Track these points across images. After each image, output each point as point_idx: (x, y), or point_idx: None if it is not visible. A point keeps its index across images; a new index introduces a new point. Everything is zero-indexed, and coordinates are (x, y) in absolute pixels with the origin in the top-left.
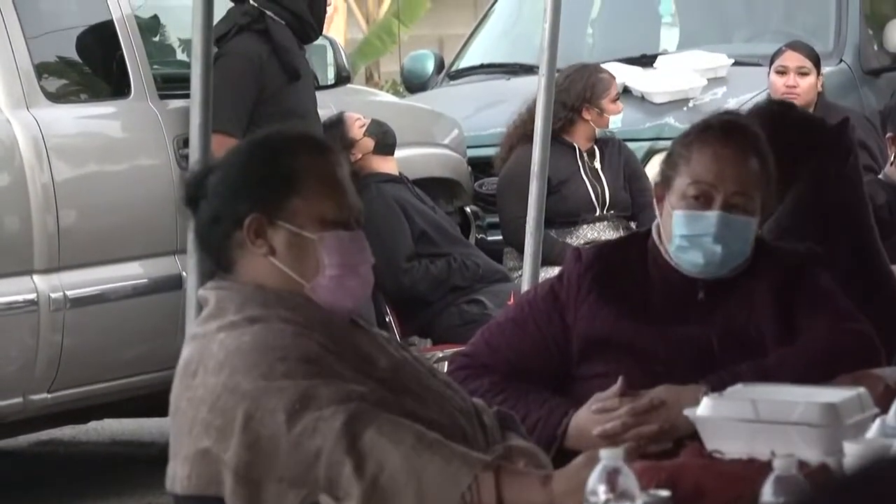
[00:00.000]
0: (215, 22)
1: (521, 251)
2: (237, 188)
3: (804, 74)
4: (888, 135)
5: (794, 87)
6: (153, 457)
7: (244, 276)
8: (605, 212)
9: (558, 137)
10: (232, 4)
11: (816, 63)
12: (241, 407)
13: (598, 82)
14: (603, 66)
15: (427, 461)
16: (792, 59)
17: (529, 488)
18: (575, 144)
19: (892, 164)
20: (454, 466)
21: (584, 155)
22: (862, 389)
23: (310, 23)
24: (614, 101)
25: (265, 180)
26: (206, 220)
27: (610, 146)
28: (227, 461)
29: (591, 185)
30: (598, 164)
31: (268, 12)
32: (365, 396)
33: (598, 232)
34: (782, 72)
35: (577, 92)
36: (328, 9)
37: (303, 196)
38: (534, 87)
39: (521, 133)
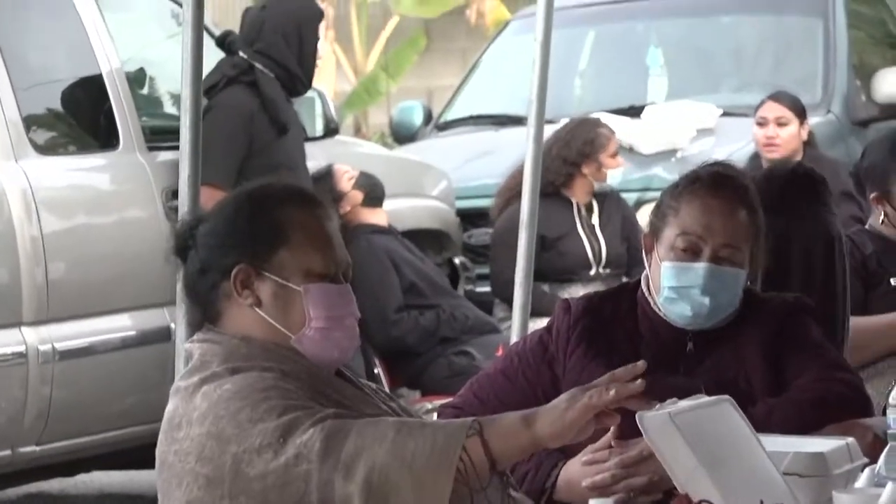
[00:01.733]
0: (204, 74)
1: (510, 305)
2: (225, 239)
3: (783, 125)
4: (872, 195)
5: (774, 137)
6: None
7: (231, 328)
8: (600, 269)
9: (557, 193)
10: (221, 56)
11: (800, 113)
12: (229, 452)
13: (598, 136)
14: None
15: (412, 449)
16: (770, 110)
17: (515, 434)
18: (573, 200)
19: (882, 222)
20: (440, 444)
21: (582, 210)
22: (850, 439)
23: (299, 76)
24: (613, 156)
25: (253, 231)
26: (195, 270)
27: (609, 200)
28: None
29: (588, 241)
30: (595, 220)
31: (257, 65)
32: (339, 414)
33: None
34: (762, 123)
35: (578, 147)
36: (317, 61)
37: (289, 248)
38: (522, 139)
39: (520, 184)
